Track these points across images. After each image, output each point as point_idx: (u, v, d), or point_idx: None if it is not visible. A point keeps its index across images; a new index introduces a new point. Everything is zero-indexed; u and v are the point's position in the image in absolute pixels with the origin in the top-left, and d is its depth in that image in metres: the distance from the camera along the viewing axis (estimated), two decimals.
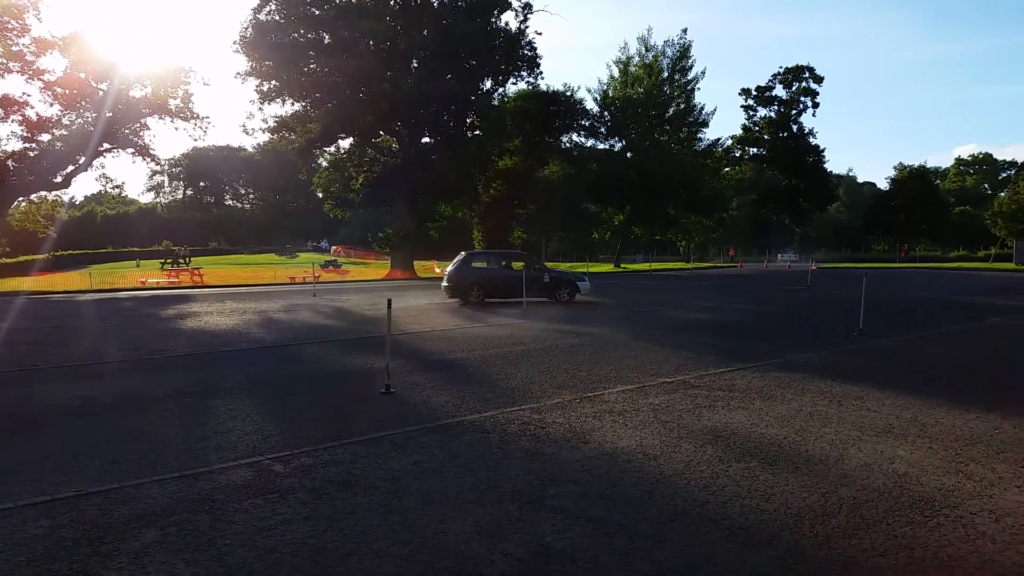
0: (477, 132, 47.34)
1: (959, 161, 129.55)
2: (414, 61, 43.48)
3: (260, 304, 21.77)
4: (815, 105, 75.13)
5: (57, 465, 5.53)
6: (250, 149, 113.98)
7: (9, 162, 35.42)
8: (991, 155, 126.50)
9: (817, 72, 74.07)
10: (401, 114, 42.84)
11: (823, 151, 75.88)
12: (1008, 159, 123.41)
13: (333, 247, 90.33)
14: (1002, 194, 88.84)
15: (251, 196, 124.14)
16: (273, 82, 42.37)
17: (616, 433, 6.33)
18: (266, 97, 42.89)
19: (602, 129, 59.45)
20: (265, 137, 47.99)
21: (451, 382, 8.80)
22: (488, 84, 46.94)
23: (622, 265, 62.81)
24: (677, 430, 6.43)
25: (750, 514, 4.42)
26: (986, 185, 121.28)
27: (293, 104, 43.93)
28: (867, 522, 4.30)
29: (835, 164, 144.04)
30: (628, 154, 59.88)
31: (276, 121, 44.59)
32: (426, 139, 46.68)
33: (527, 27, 45.79)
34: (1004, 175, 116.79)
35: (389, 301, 9.03)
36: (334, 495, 4.81)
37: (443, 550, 3.93)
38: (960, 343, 12.50)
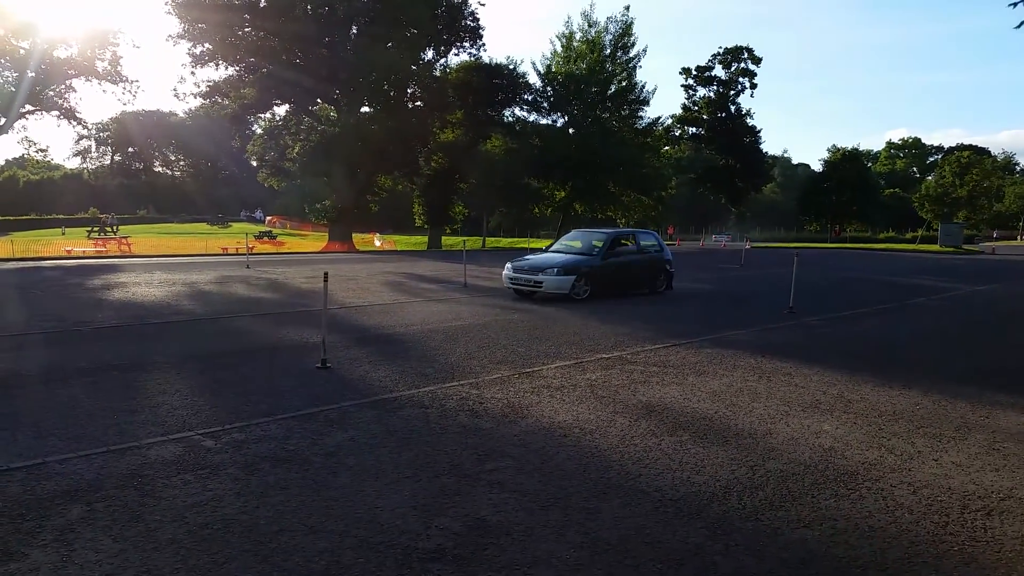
0: (419, 103, 46.69)
1: (890, 145, 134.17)
2: (353, 27, 42.50)
3: (191, 275, 21.15)
4: (753, 86, 76.40)
5: None
6: (181, 114, 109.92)
7: None
8: (920, 140, 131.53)
9: (756, 53, 75.27)
10: (340, 82, 41.91)
11: (759, 132, 77.35)
12: (936, 144, 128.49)
13: (268, 217, 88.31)
14: (929, 178, 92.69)
15: (182, 163, 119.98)
16: (206, 45, 40.86)
17: (553, 408, 6.39)
18: (198, 61, 41.37)
19: (545, 104, 59.26)
20: (197, 102, 46.35)
21: (389, 357, 8.74)
22: (430, 54, 46.33)
23: None
24: (613, 405, 6.54)
25: (681, 486, 4.53)
26: (915, 169, 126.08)
27: (227, 68, 42.54)
28: (793, 494, 4.46)
29: (771, 145, 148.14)
30: (570, 130, 59.92)
31: (209, 86, 43.13)
32: (366, 108, 45.82)
33: None
34: (931, 159, 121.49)
35: (326, 274, 8.87)
36: (267, 471, 4.74)
37: (378, 525, 3.91)
38: (886, 322, 13.01)
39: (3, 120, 35.19)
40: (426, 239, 52.03)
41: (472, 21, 45.98)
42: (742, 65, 75.79)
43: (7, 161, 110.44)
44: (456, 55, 48.36)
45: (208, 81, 43.40)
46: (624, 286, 16.40)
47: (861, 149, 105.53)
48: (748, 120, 77.22)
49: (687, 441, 5.48)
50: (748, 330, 11.48)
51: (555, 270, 15.09)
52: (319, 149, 44.73)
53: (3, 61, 34.30)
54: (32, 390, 6.98)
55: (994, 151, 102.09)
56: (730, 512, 4.16)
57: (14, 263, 28.01)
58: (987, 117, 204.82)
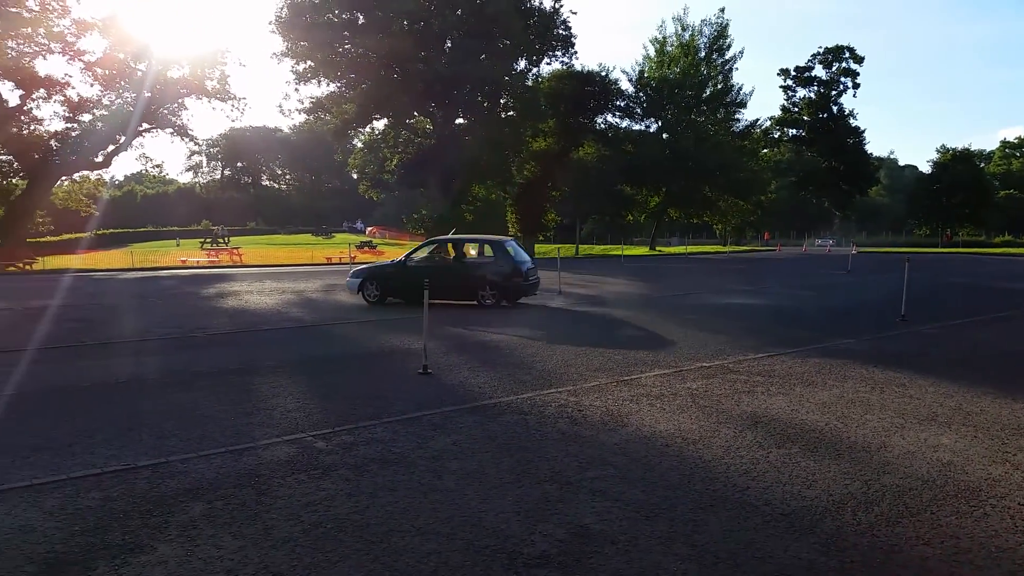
0: (511, 113, 47.16)
1: (1004, 144, 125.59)
2: (448, 41, 43.39)
3: (298, 284, 22.04)
4: (855, 86, 73.53)
5: (107, 439, 5.68)
6: (286, 130, 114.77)
7: (52, 142, 36.22)
8: None
9: (858, 52, 72.35)
10: (435, 95, 42.84)
11: (863, 133, 74.36)
12: None
13: (368, 228, 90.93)
14: None
15: (288, 177, 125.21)
16: (308, 63, 42.65)
17: (654, 417, 6.31)
18: (302, 78, 43.20)
19: (637, 110, 58.80)
20: (301, 118, 48.53)
21: (487, 364, 8.84)
22: (522, 64, 46.73)
23: (657, 248, 62.34)
24: (716, 415, 6.40)
25: (791, 500, 4.38)
26: None
27: (328, 85, 44.23)
28: (911, 510, 4.24)
29: (876, 146, 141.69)
30: (664, 135, 59.20)
31: (312, 102, 44.93)
32: (460, 120, 46.66)
33: (561, 6, 45.51)
34: None
35: (426, 282, 9.08)
36: (375, 472, 4.88)
37: (483, 529, 3.96)
38: (1005, 331, 12.22)
39: (122, 138, 37.69)
40: None
41: (564, 30, 46.13)
42: (843, 65, 73.00)
43: (126, 177, 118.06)
44: (548, 64, 48.65)
45: (311, 97, 45.27)
46: (434, 294, 12.40)
47: (973, 149, 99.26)
48: (851, 121, 74.31)
49: (796, 454, 5.30)
50: (859, 338, 11.00)
51: (352, 273, 15.88)
52: (416, 161, 45.82)
53: (123, 83, 36.75)
54: (154, 393, 7.45)
55: None
56: (844, 528, 3.99)
57: (133, 273, 29.94)
58: None
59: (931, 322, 12.84)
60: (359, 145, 55.75)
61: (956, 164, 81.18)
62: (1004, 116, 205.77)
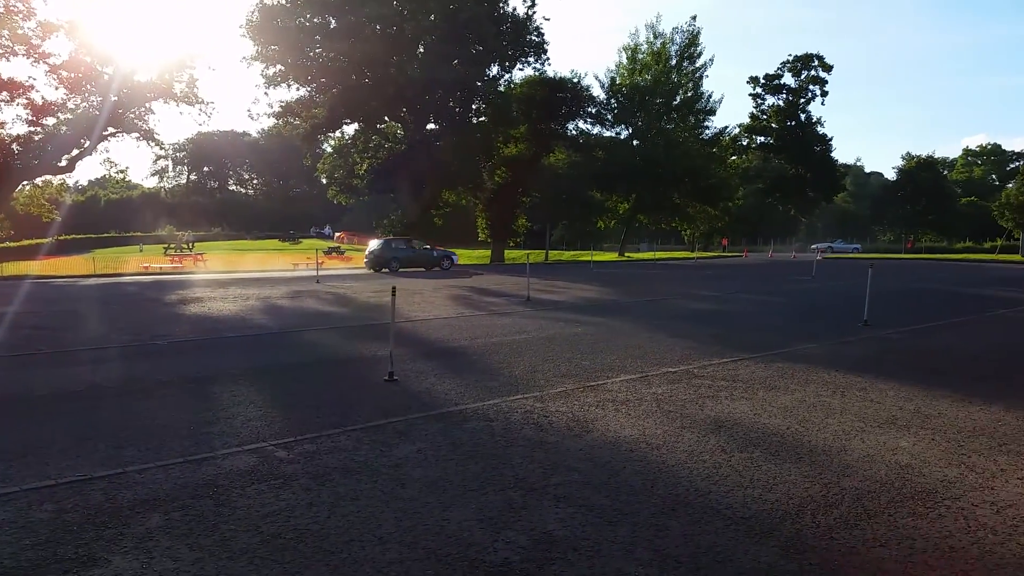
0: (483, 118, 47.17)
1: (967, 152, 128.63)
2: (420, 46, 43.29)
3: (263, 290, 21.81)
4: (823, 94, 74.46)
5: (62, 450, 5.56)
6: (255, 134, 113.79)
7: (14, 146, 35.39)
8: (999, 146, 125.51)
9: (826, 60, 73.47)
10: (407, 100, 42.72)
11: (831, 140, 75.34)
12: (1016, 150, 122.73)
13: (336, 233, 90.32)
14: (1009, 185, 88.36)
15: (255, 182, 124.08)
16: (279, 67, 42.28)
17: (619, 422, 6.33)
18: (271, 82, 42.82)
19: (608, 116, 59.19)
20: (270, 122, 47.98)
21: (454, 370, 8.82)
22: (495, 70, 46.77)
23: (627, 254, 62.73)
24: (680, 420, 6.44)
25: (752, 504, 4.42)
26: (994, 176, 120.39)
27: (298, 89, 43.89)
28: (869, 513, 4.30)
29: (843, 154, 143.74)
30: (634, 142, 59.64)
31: (281, 106, 44.53)
32: (431, 125, 46.57)
33: (534, 12, 45.60)
34: (1012, 166, 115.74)
35: (394, 289, 9.02)
36: (337, 481, 4.83)
37: (446, 537, 3.94)
38: (965, 335, 12.46)
39: (87, 142, 36.94)
40: (489, 253, 52.37)
41: (537, 36, 46.26)
42: (812, 73, 73.99)
43: (89, 182, 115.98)
44: (520, 70, 48.74)
45: (281, 101, 44.85)
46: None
47: (936, 157, 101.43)
48: (819, 128, 75.31)
49: (758, 458, 5.35)
50: (821, 343, 11.16)
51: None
52: (386, 166, 45.64)
53: (89, 87, 36.05)
54: (112, 401, 7.30)
55: None
56: (804, 530, 4.04)
57: (95, 279, 29.38)
58: None
59: (892, 327, 13.06)
60: (328, 150, 55.35)
61: (920, 171, 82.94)
62: (967, 125, 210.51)
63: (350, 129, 49.47)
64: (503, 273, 33.00)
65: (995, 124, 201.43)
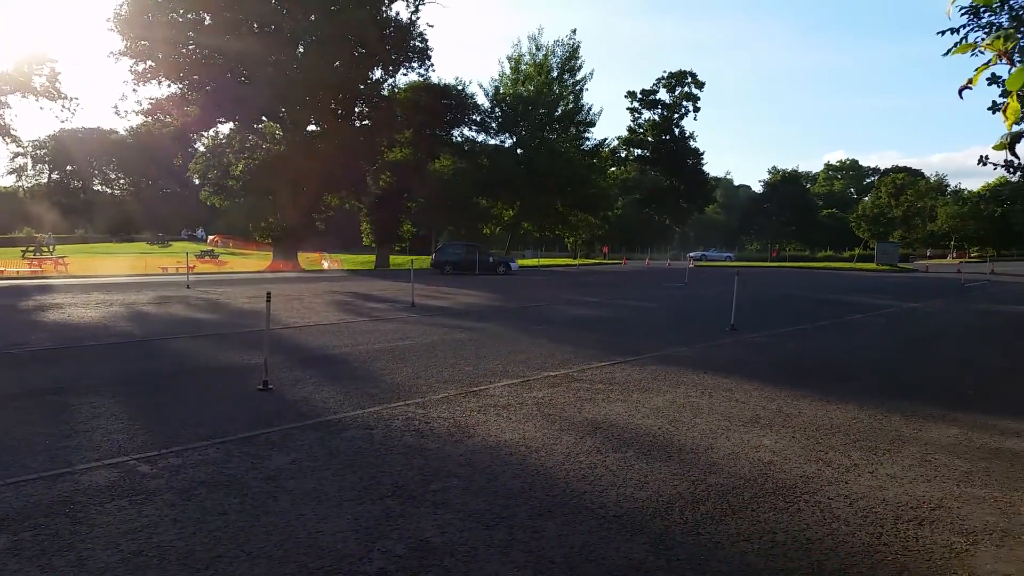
0: (366, 122, 46.50)
1: (828, 167, 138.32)
2: (300, 46, 42.20)
3: (129, 296, 20.57)
4: (696, 110, 78.18)
5: None
6: (123, 132, 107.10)
7: None
8: (857, 162, 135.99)
9: (699, 77, 77.14)
10: (286, 100, 41.51)
11: (703, 154, 79.20)
12: (872, 166, 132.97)
13: (210, 237, 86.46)
14: (866, 199, 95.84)
15: (122, 182, 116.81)
16: (149, 62, 40.12)
17: (500, 427, 6.38)
18: (141, 78, 40.57)
19: (493, 125, 59.80)
20: (139, 120, 45.33)
21: (334, 378, 8.62)
22: (378, 74, 46.21)
23: None
24: (559, 423, 6.56)
25: (624, 502, 4.56)
26: (852, 190, 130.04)
27: (170, 86, 41.80)
28: (733, 508, 4.52)
29: (714, 167, 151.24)
30: (519, 150, 60.47)
31: (151, 103, 42.24)
32: (312, 127, 45.44)
33: (418, 18, 45.40)
34: (868, 181, 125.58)
35: (268, 294, 8.73)
36: (204, 496, 4.61)
37: (319, 549, 3.84)
38: (824, 338, 13.35)
39: None
40: (374, 258, 51.64)
41: (420, 42, 46.10)
42: (686, 89, 77.50)
43: None
44: (405, 75, 48.45)
45: (150, 98, 42.57)
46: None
47: (800, 171, 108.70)
48: (691, 143, 78.95)
49: (631, 457, 5.53)
50: (692, 347, 11.66)
51: None
52: (263, 167, 44.14)
53: None
54: None
55: (927, 173, 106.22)
56: (672, 527, 4.20)
57: None
58: (921, 140, 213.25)
59: (758, 331, 13.83)
60: (201, 149, 52.91)
61: (784, 185, 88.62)
62: (828, 141, 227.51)
63: (225, 128, 47.59)
64: (388, 279, 32.58)
65: (854, 141, 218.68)
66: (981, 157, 9.96)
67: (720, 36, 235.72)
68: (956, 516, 4.44)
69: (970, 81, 1.77)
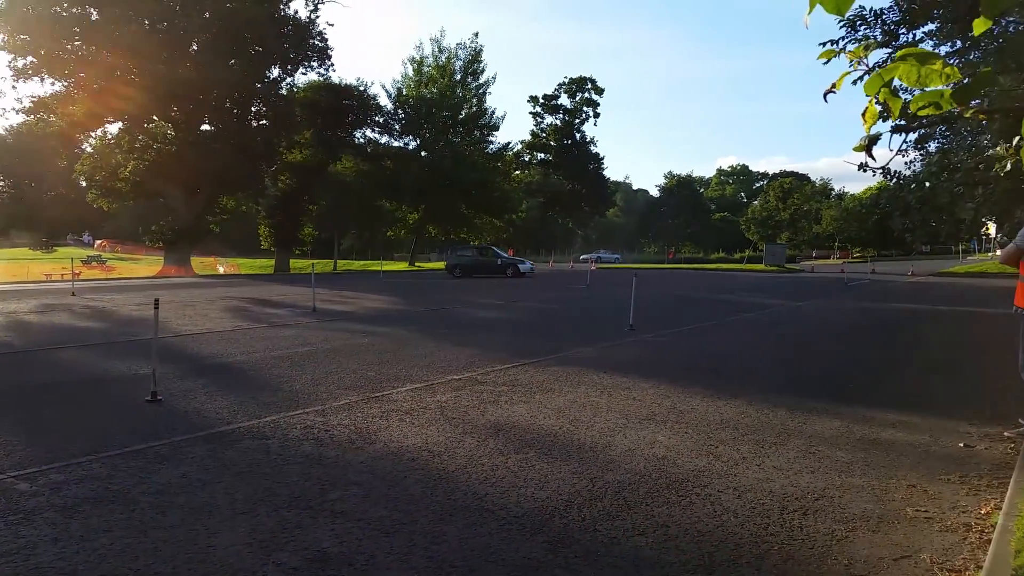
0: (264, 122, 45.20)
1: (720, 172, 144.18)
2: (194, 44, 40.61)
3: (8, 304, 19.26)
4: (596, 115, 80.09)
5: None
6: (2, 131, 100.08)
7: None
8: (747, 167, 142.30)
9: (599, 84, 79.01)
10: (178, 98, 39.84)
11: (603, 159, 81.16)
12: (761, 171, 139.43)
13: (98, 241, 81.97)
14: (755, 203, 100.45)
15: (1, 184, 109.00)
16: (30, 58, 37.70)
17: (403, 432, 6.33)
18: (21, 74, 38.05)
19: (396, 127, 59.27)
20: (20, 119, 42.57)
21: (228, 387, 8.34)
22: (276, 73, 45.03)
23: (417, 264, 62.99)
24: (462, 426, 6.57)
25: (525, 503, 4.62)
26: (743, 194, 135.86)
27: (54, 83, 39.43)
28: (628, 504, 4.65)
29: (614, 172, 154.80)
30: (423, 153, 60.14)
31: (33, 101, 39.73)
32: (206, 126, 43.81)
33: (318, 16, 44.58)
34: (757, 185, 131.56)
35: (156, 300, 8.35)
36: (88, 513, 4.38)
37: (210, 565, 3.71)
38: (717, 336, 13.89)
39: None
40: (273, 262, 50.20)
41: (320, 41, 45.24)
42: (586, 95, 79.21)
43: None
44: (304, 74, 47.39)
45: (32, 96, 40.06)
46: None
47: (695, 175, 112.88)
48: (592, 147, 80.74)
49: (532, 458, 5.60)
50: (593, 347, 11.90)
51: None
52: (154, 168, 42.22)
53: None
54: None
55: (813, 177, 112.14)
56: (570, 525, 4.28)
57: None
58: (808, 145, 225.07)
59: (655, 330, 14.25)
60: (88, 150, 50.11)
61: (680, 189, 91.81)
62: (721, 147, 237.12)
63: (114, 128, 45.27)
64: (288, 283, 31.75)
65: (746, 147, 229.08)
66: (861, 164, 10.61)
67: (619, 42, 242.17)
68: (837, 505, 4.69)
69: (834, 86, 1.90)
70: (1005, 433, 6.45)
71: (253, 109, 44.77)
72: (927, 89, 1.73)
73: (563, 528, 4.23)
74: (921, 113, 1.76)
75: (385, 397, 7.80)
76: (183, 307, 18.33)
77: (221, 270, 47.77)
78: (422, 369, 9.59)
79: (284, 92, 45.99)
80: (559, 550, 3.93)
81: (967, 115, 1.86)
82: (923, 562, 3.82)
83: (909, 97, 1.84)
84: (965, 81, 1.73)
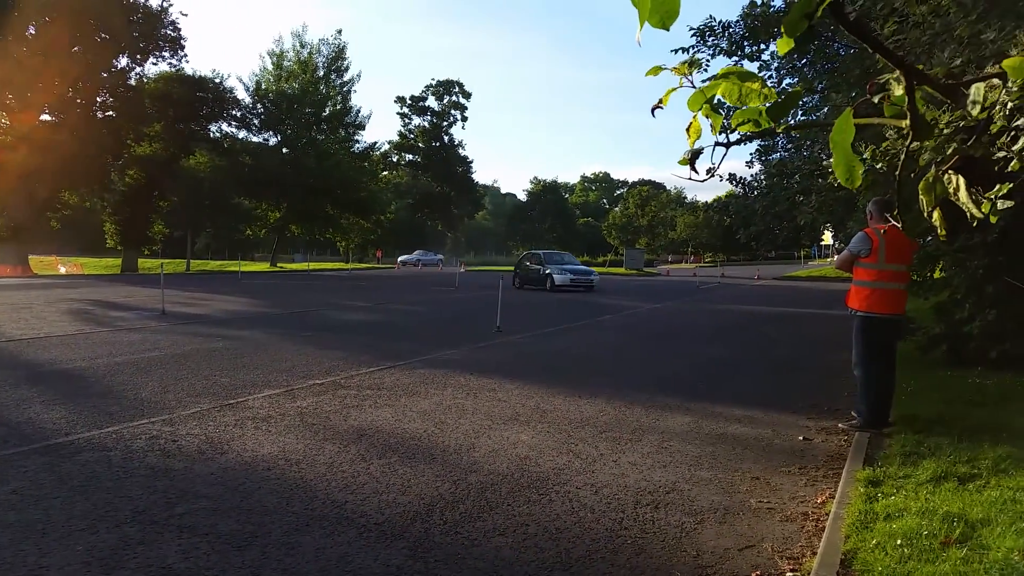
0: (110, 113, 42.22)
1: (584, 178, 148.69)
2: (31, 27, 37.35)
3: None
4: (464, 119, 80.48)
5: None
6: None
7: None
8: (609, 174, 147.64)
9: (466, 88, 79.50)
10: (12, 86, 36.50)
11: (471, 162, 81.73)
12: (622, 179, 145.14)
13: None
14: (616, 209, 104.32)
15: None
16: None
17: (258, 440, 6.09)
18: None
19: (255, 121, 57.03)
20: None
21: (67, 395, 7.71)
22: (124, 62, 42.19)
23: (279, 264, 60.83)
24: (323, 432, 6.41)
25: (386, 509, 4.56)
26: (605, 200, 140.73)
27: None
28: (491, 504, 4.70)
29: (482, 175, 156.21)
30: (284, 150, 58.19)
31: None
32: (46, 116, 40.41)
33: (170, 5, 42.18)
34: (618, 192, 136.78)
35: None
36: None
37: None
38: (580, 338, 14.30)
39: None
40: (119, 262, 46.97)
41: (173, 31, 42.83)
42: (454, 98, 79.50)
43: None
44: (155, 64, 44.65)
45: None
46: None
47: (560, 181, 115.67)
48: (461, 150, 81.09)
49: (395, 462, 5.54)
50: (460, 349, 11.95)
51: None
52: None
53: None
54: None
55: (668, 186, 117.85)
56: (432, 529, 4.27)
57: None
58: (668, 155, 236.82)
59: (521, 332, 14.49)
60: None
61: (546, 194, 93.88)
62: (585, 154, 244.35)
63: None
64: (136, 284, 29.78)
65: (607, 155, 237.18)
66: (708, 169, 11.21)
67: (486, 46, 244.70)
68: (687, 498, 4.95)
69: (661, 101, 1.99)
70: (840, 426, 7.04)
71: (99, 99, 41.73)
72: (746, 107, 1.86)
73: (424, 532, 4.22)
74: (741, 129, 1.89)
75: (240, 404, 7.48)
76: (18, 310, 16.80)
77: (63, 270, 44.17)
78: (282, 374, 9.27)
79: (133, 83, 43.18)
80: (419, 555, 3.91)
81: (779, 131, 2.01)
82: (765, 551, 4.10)
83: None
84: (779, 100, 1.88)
